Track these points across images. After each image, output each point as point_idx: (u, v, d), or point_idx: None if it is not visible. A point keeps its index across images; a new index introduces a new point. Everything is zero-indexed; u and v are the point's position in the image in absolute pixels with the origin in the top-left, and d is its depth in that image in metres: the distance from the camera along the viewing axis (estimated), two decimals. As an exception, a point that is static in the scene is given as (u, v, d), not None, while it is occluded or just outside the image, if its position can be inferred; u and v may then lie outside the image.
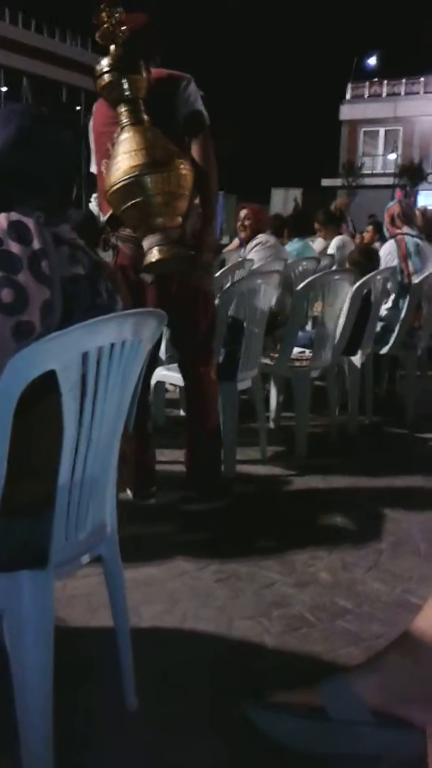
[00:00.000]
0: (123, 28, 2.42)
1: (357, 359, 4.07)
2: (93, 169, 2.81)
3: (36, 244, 1.32)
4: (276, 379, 4.03)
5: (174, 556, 2.47)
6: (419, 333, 4.61)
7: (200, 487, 2.89)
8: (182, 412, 3.81)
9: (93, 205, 4.74)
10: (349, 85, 33.14)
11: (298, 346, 3.81)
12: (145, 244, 2.44)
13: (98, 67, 2.45)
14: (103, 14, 2.39)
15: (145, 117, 2.47)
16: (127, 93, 2.43)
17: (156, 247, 2.41)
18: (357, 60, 33.22)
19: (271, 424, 3.99)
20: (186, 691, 1.77)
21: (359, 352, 4.07)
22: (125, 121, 2.45)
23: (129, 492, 2.90)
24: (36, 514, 1.43)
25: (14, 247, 1.30)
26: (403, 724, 0.92)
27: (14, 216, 1.33)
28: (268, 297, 3.44)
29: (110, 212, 2.60)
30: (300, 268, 5.27)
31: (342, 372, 4.12)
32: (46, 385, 1.29)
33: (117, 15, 2.40)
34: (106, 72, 2.43)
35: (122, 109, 2.45)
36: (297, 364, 3.72)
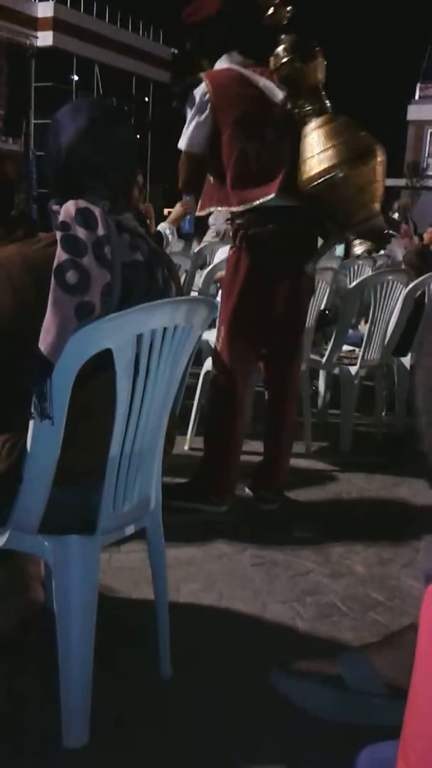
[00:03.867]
0: (288, 8, 2.45)
1: (407, 360, 4.08)
2: (184, 143, 2.61)
3: (101, 231, 1.40)
4: (324, 376, 4.07)
5: (214, 539, 2.55)
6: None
7: (275, 493, 2.93)
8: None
9: (163, 227, 4.79)
10: (418, 85, 32.65)
11: (348, 344, 3.85)
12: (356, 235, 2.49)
13: (280, 53, 2.44)
14: None
15: (328, 103, 2.47)
16: (307, 79, 2.44)
17: (361, 241, 2.47)
18: (427, 59, 32.71)
19: (317, 420, 4.04)
20: (217, 663, 1.85)
21: (410, 353, 4.08)
22: (308, 109, 2.45)
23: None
24: (87, 484, 1.52)
25: (80, 233, 1.39)
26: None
27: (82, 203, 1.42)
28: (321, 293, 3.48)
29: (206, 211, 2.68)
30: (355, 267, 5.29)
31: (391, 372, 4.13)
32: (102, 363, 1.38)
33: None
34: (286, 59, 2.42)
35: (303, 99, 2.46)
36: (346, 361, 3.76)
